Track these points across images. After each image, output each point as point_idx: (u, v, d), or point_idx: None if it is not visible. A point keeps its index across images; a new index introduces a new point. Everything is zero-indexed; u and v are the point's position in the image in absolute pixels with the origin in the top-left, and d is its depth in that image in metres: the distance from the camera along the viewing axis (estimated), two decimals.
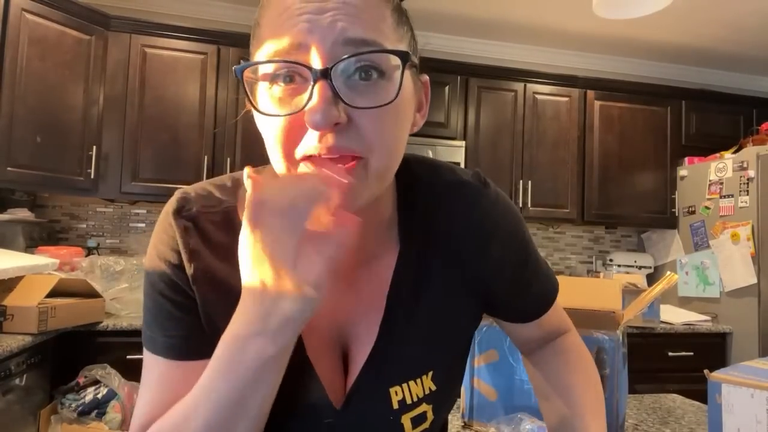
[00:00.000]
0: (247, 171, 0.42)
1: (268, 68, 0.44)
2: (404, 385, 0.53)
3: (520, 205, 2.92)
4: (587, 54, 3.43)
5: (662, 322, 2.68)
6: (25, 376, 1.73)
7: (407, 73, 0.45)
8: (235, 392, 0.42)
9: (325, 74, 0.41)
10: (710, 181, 2.89)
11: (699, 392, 1.00)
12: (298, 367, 0.47)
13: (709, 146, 3.11)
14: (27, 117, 2.17)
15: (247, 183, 0.40)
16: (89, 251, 2.57)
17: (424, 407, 0.53)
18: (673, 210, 3.12)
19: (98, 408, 1.82)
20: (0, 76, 2.09)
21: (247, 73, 0.45)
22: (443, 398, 0.55)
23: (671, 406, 1.16)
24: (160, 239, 0.51)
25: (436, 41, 3.22)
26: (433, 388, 0.54)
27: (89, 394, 1.85)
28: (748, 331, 2.63)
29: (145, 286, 0.52)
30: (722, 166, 2.82)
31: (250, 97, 0.46)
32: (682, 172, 3.11)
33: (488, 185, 0.58)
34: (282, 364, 0.43)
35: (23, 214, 2.44)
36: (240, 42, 2.60)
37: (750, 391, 0.71)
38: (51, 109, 2.26)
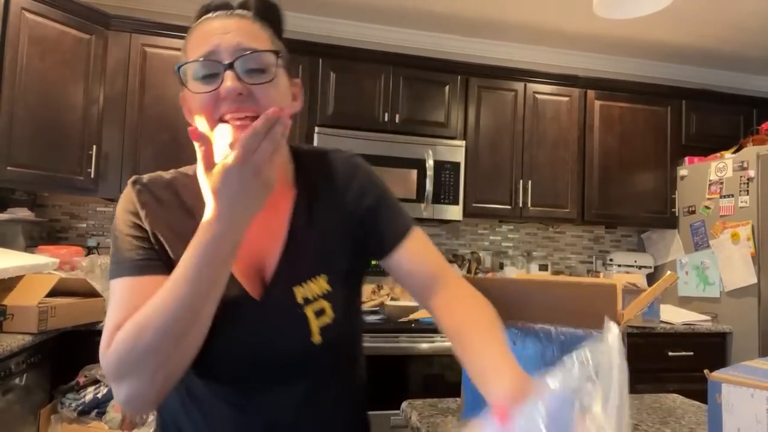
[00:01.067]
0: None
1: (196, 67, 0.69)
2: (305, 285, 0.74)
3: (520, 205, 2.92)
4: (587, 54, 3.43)
5: (662, 322, 2.68)
6: (25, 375, 1.73)
7: (281, 70, 0.72)
8: (196, 296, 0.62)
9: (230, 66, 0.66)
10: (710, 181, 2.89)
11: (699, 392, 1.00)
12: (228, 280, 0.67)
13: (709, 146, 3.11)
14: (27, 116, 2.17)
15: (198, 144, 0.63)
16: (89, 251, 2.57)
17: (323, 303, 0.73)
18: (673, 210, 3.12)
19: (98, 407, 1.82)
20: (0, 75, 2.09)
21: (182, 72, 0.70)
22: (338, 300, 0.75)
23: (671, 405, 1.16)
24: (121, 202, 0.75)
25: (436, 41, 3.22)
26: (329, 288, 0.75)
27: (89, 394, 1.85)
28: (748, 331, 2.63)
29: (113, 234, 0.73)
30: (722, 165, 2.82)
31: (186, 85, 0.70)
32: (682, 171, 3.11)
33: (352, 154, 0.85)
34: (229, 267, 0.64)
35: (23, 213, 2.44)
36: None
37: (750, 391, 0.71)
38: (51, 109, 2.26)
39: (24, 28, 2.15)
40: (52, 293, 1.83)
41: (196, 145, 0.62)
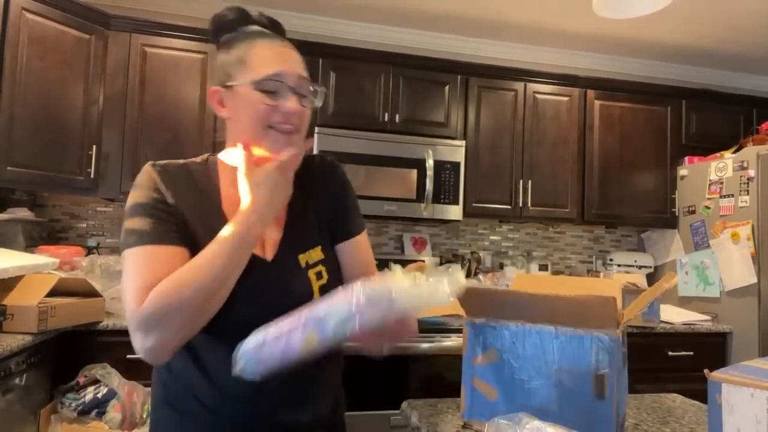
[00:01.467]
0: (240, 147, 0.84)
1: (261, 81, 0.84)
2: (306, 252, 0.91)
3: (520, 205, 2.92)
4: (587, 54, 3.43)
5: (662, 321, 2.68)
6: (25, 375, 1.73)
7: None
8: (229, 266, 0.76)
9: (295, 91, 0.85)
10: (710, 180, 2.89)
11: (699, 392, 1.00)
12: None
13: (709, 146, 3.11)
14: (27, 116, 2.17)
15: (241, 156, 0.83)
16: (89, 250, 2.57)
17: (320, 267, 0.91)
18: (673, 210, 3.12)
19: (98, 407, 1.82)
20: (0, 75, 2.09)
21: (233, 76, 0.87)
22: (331, 265, 0.93)
23: (671, 405, 1.16)
24: (141, 181, 0.86)
25: (436, 41, 3.22)
26: (323, 256, 0.92)
27: (89, 394, 1.85)
28: (748, 331, 2.63)
29: (130, 210, 0.83)
30: (722, 165, 2.82)
31: (230, 86, 0.87)
32: (682, 171, 3.11)
33: (333, 159, 1.02)
34: (255, 245, 0.82)
35: (23, 213, 2.44)
36: None
37: (750, 391, 0.71)
38: (51, 109, 2.26)
39: (24, 28, 2.15)
40: (52, 293, 1.83)
41: (240, 148, 0.83)
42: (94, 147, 2.41)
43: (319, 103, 0.91)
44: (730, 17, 2.84)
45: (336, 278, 0.92)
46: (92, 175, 2.40)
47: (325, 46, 2.71)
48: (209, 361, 0.84)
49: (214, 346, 0.82)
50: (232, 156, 0.89)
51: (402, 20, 3.05)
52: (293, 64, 0.86)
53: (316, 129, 2.59)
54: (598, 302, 0.78)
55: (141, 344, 0.75)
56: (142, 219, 0.81)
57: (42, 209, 2.68)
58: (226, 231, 0.77)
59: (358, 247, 0.98)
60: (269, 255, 0.89)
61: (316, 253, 0.92)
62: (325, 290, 0.87)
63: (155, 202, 0.83)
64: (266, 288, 0.85)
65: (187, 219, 0.84)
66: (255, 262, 0.84)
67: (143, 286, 0.74)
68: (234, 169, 0.86)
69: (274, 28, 0.93)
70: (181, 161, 0.91)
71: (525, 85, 2.97)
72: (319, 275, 0.90)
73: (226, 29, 0.92)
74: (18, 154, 2.15)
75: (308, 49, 2.67)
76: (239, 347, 0.71)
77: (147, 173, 0.87)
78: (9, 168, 2.12)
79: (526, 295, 0.85)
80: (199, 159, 0.93)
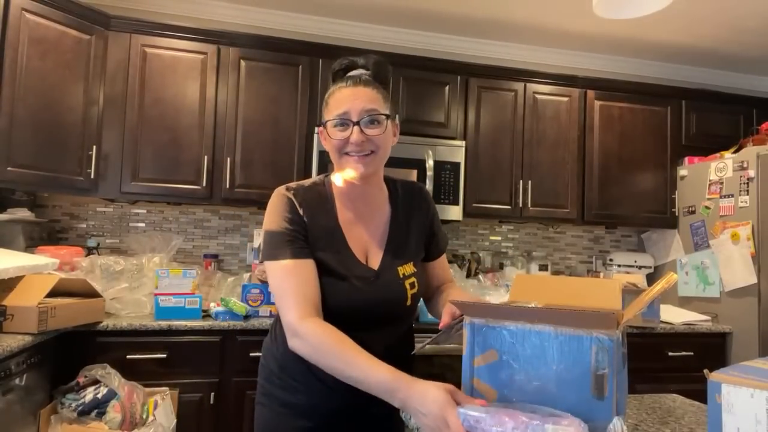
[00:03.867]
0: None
1: (336, 121, 1.05)
2: (402, 266, 1.11)
3: (520, 205, 2.92)
4: (587, 54, 3.43)
5: (662, 322, 2.68)
6: (25, 375, 1.73)
7: (389, 121, 1.08)
8: (352, 381, 0.90)
9: (357, 123, 1.03)
10: (710, 181, 2.89)
11: (699, 392, 1.00)
12: (353, 259, 1.08)
13: (709, 146, 3.11)
14: (27, 117, 2.17)
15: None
16: (89, 251, 2.57)
17: (413, 279, 1.11)
18: (673, 210, 3.12)
19: (98, 408, 1.82)
20: (0, 75, 2.09)
21: (324, 120, 1.08)
22: (419, 278, 1.14)
23: (671, 405, 1.16)
24: (279, 204, 1.06)
25: (436, 41, 3.22)
26: (414, 270, 1.13)
27: (89, 394, 1.84)
28: (748, 331, 2.63)
29: (270, 230, 1.04)
30: (722, 166, 2.82)
31: (325, 127, 1.07)
32: (682, 172, 3.11)
33: (422, 186, 1.25)
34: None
35: (23, 213, 2.44)
36: (240, 42, 2.60)
37: (750, 391, 0.71)
38: (51, 109, 2.26)
39: (24, 29, 2.15)
40: (52, 293, 1.83)
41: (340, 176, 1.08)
42: (94, 147, 2.41)
43: (390, 125, 1.09)
44: (730, 17, 2.84)
45: (422, 288, 1.14)
46: (92, 176, 2.40)
47: (325, 46, 2.72)
48: None
49: None
50: (338, 179, 1.11)
51: (402, 20, 3.05)
52: (359, 101, 1.04)
53: (316, 129, 2.59)
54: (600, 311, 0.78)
55: (291, 345, 0.97)
56: (283, 236, 1.02)
57: (42, 209, 2.68)
58: (381, 375, 0.87)
59: (443, 262, 1.25)
60: (374, 264, 1.09)
61: (409, 267, 1.12)
62: (415, 298, 1.12)
63: (292, 222, 1.03)
64: (372, 293, 1.05)
65: (312, 234, 1.05)
66: (365, 272, 1.06)
67: (296, 317, 0.96)
68: (342, 188, 1.10)
69: (377, 68, 1.11)
70: (306, 184, 1.11)
71: (525, 85, 2.97)
72: (412, 285, 1.10)
73: (336, 78, 1.13)
74: (18, 155, 2.15)
75: (308, 49, 2.68)
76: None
77: (281, 196, 1.07)
78: (9, 168, 2.12)
79: (527, 309, 0.85)
80: (317, 179, 1.14)
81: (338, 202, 1.11)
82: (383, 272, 1.08)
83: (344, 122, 1.03)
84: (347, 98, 1.05)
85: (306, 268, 1.00)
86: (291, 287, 0.98)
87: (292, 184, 1.09)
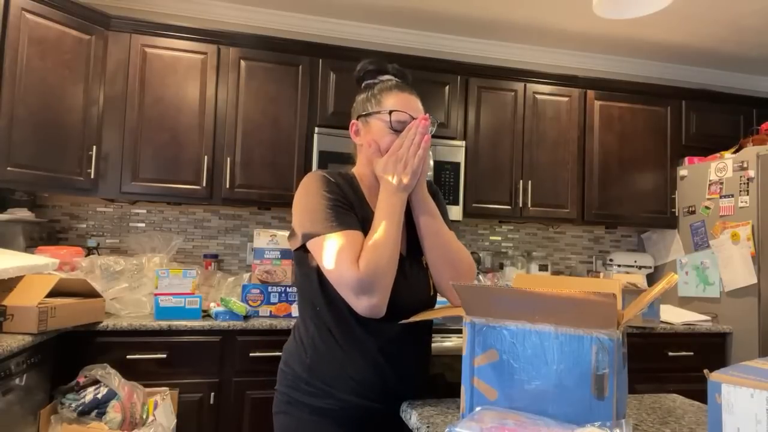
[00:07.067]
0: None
1: (395, 123, 1.12)
2: (422, 257, 1.15)
3: (520, 206, 2.92)
4: (587, 54, 3.43)
5: (662, 322, 2.68)
6: (25, 376, 1.73)
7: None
8: (393, 226, 1.04)
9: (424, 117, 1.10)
10: (710, 181, 2.89)
11: (699, 392, 0.99)
12: None
13: (709, 146, 3.11)
14: (27, 117, 2.17)
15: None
16: (89, 251, 2.57)
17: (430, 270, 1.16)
18: (673, 210, 3.12)
19: (98, 408, 1.82)
20: (0, 76, 2.09)
21: (373, 114, 1.15)
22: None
23: (671, 406, 1.16)
24: (315, 182, 1.08)
25: (436, 41, 3.22)
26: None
27: (89, 394, 1.84)
28: (748, 331, 2.63)
29: (314, 206, 1.05)
30: (722, 166, 2.82)
31: (368, 121, 1.15)
32: (682, 172, 3.11)
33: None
34: (403, 208, 1.08)
35: (23, 213, 2.44)
36: (240, 42, 2.60)
37: (750, 391, 0.71)
38: (51, 109, 2.26)
39: (24, 29, 2.15)
40: (52, 293, 1.83)
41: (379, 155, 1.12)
42: (94, 147, 2.41)
43: (433, 130, 1.13)
44: (730, 17, 2.84)
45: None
46: (92, 176, 2.40)
47: (325, 46, 2.72)
48: (344, 331, 1.08)
49: (348, 322, 1.07)
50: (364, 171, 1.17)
51: (402, 20, 3.05)
52: (416, 110, 1.12)
53: (316, 129, 2.59)
54: (598, 300, 0.78)
55: (367, 303, 0.99)
56: (330, 211, 1.03)
57: (42, 210, 2.68)
58: (381, 204, 1.05)
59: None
60: (402, 250, 1.11)
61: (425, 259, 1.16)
62: (433, 288, 1.17)
63: (336, 198, 1.06)
64: (402, 279, 1.07)
65: (355, 211, 1.09)
66: (402, 259, 1.09)
67: (353, 258, 0.98)
68: (370, 184, 1.15)
69: (403, 78, 1.18)
70: (336, 172, 1.14)
71: (525, 85, 2.97)
72: (431, 275, 1.16)
73: (368, 77, 1.19)
74: (18, 155, 2.15)
75: (308, 49, 2.68)
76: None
77: (318, 177, 1.09)
78: (9, 168, 2.12)
79: (526, 293, 0.84)
80: (343, 172, 1.17)
81: (365, 190, 1.16)
82: (411, 258, 1.14)
83: (401, 126, 1.09)
84: (406, 105, 1.11)
85: (356, 237, 1.02)
86: (346, 253, 0.99)
87: (323, 171, 1.12)
